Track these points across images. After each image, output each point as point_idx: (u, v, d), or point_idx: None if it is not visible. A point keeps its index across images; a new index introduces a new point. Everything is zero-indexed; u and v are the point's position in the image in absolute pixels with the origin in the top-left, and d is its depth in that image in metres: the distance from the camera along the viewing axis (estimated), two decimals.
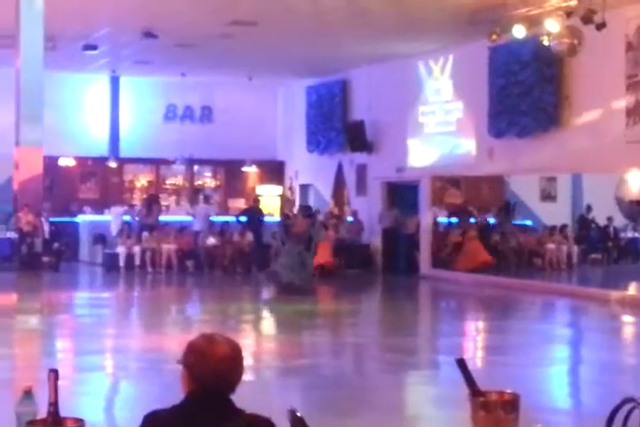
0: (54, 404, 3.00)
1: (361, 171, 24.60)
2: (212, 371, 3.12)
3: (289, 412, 3.22)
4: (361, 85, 24.60)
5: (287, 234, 18.30)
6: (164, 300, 18.52)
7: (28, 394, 3.14)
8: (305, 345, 12.73)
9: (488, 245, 22.19)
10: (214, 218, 23.76)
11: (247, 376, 8.86)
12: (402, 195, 23.60)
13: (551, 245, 23.37)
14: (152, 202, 24.26)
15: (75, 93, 26.34)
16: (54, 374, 3.03)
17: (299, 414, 3.16)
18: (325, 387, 9.37)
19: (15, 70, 19.96)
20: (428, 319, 16.34)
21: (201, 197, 25.15)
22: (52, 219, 22.82)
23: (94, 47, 21.29)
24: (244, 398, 3.27)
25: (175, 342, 12.56)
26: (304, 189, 27.43)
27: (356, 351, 12.37)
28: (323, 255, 21.01)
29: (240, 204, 26.99)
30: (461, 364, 3.08)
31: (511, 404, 3.02)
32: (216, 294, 19.24)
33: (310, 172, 26.94)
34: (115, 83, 26.99)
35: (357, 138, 24.09)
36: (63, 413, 3.05)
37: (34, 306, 16.36)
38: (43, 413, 3.06)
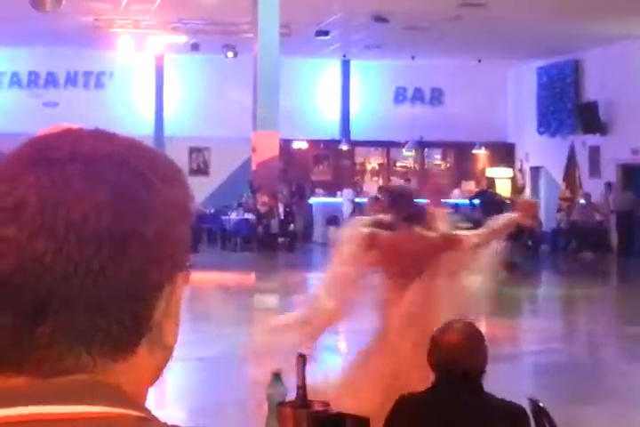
0: (302, 387, 3.16)
1: (594, 153, 24.00)
2: (442, 359, 3.24)
3: (530, 401, 3.27)
4: (594, 65, 23.98)
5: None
6: None
7: (277, 376, 3.31)
8: (539, 330, 12.60)
9: None
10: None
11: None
12: (637, 177, 22.91)
13: None
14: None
15: (307, 78, 26.89)
16: (302, 358, 3.19)
17: (541, 404, 3.19)
18: (559, 373, 9.29)
19: (253, 57, 20.58)
20: None
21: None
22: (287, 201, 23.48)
23: (326, 33, 21.70)
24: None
25: None
26: (535, 171, 27.03)
27: (591, 338, 12.17)
28: None
29: (470, 186, 26.88)
30: None
31: None
32: None
33: (541, 154, 26.51)
34: (345, 67, 27.40)
35: (590, 119, 23.51)
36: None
37: (271, 286, 16.88)
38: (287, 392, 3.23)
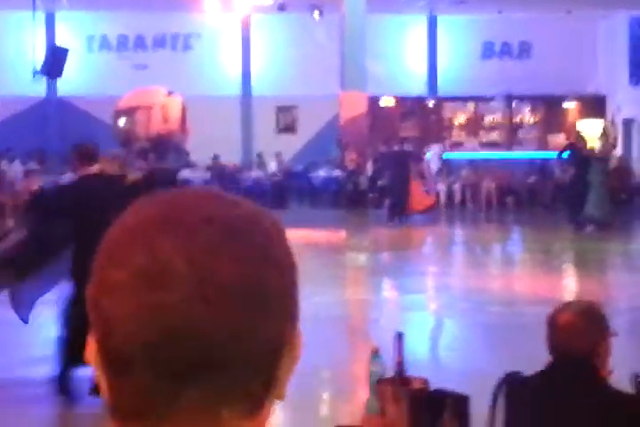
0: (400, 364, 3.29)
1: None
2: (553, 340, 3.13)
3: (634, 377, 3.28)
4: None
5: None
6: (484, 238, 18.64)
7: (376, 353, 3.43)
8: (627, 287, 12.48)
9: None
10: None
11: None
12: None
13: None
14: None
15: (394, 35, 26.74)
16: (400, 335, 3.31)
17: None
18: None
19: (340, 15, 20.55)
20: None
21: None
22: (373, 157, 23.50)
23: None
24: None
25: (497, 282, 12.78)
26: (627, 123, 26.58)
27: None
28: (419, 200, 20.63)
29: (560, 139, 26.57)
30: None
31: None
32: (537, 232, 19.14)
33: (634, 105, 26.03)
34: (432, 23, 27.17)
35: None
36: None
37: (361, 243, 16.96)
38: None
